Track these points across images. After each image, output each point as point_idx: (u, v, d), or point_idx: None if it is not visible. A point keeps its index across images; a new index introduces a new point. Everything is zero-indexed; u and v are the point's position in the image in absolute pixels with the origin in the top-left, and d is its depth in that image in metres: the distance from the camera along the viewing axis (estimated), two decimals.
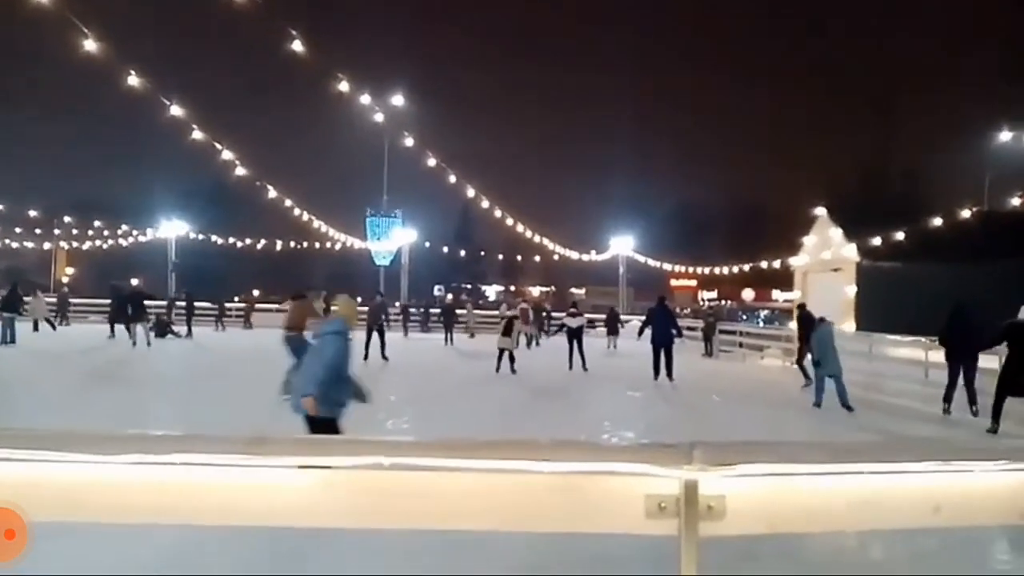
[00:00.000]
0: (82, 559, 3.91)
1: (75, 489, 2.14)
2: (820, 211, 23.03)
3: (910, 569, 4.48)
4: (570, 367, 17.54)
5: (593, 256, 44.24)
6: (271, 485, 2.12)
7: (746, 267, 38.58)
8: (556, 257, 45.35)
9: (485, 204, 37.76)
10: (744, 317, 25.54)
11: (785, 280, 29.94)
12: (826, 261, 21.56)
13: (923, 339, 13.65)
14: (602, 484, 2.13)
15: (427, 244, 44.11)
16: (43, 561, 3.89)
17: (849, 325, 19.46)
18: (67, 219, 47.14)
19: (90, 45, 14.68)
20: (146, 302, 21.54)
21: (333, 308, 8.20)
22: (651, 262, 43.85)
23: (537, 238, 41.33)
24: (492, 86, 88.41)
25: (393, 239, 37.71)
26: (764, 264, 33.53)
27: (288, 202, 35.59)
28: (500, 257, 54.64)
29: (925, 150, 59.31)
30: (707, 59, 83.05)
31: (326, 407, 5.66)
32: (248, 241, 43.78)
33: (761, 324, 29.93)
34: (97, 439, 2.19)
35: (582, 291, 62.64)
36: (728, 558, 3.11)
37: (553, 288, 66.45)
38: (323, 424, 5.45)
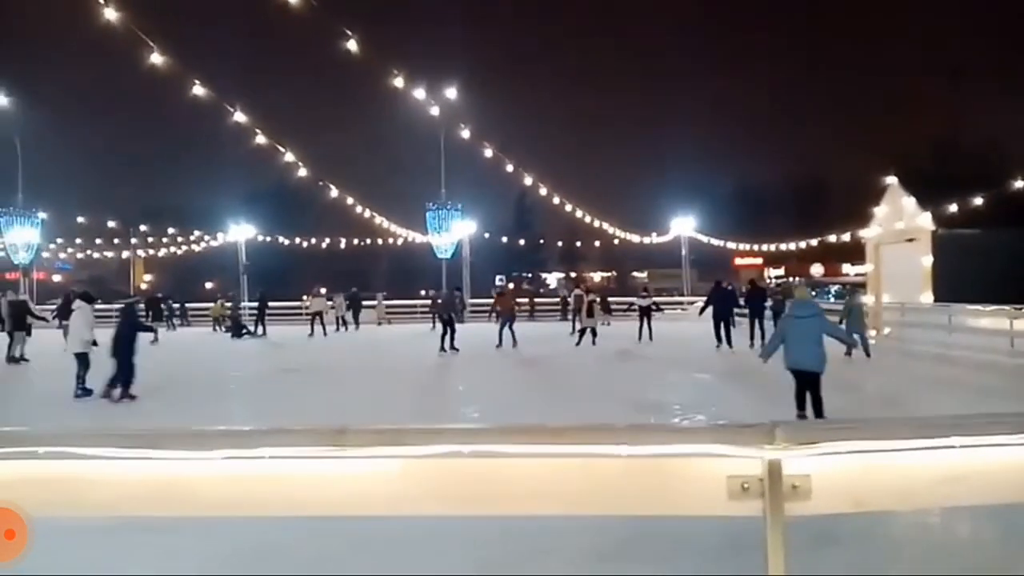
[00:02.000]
0: (176, 551, 4.09)
1: (169, 485, 2.25)
2: (891, 180, 22.12)
3: (1003, 548, 4.30)
4: (639, 339, 20.53)
5: (654, 239, 43.64)
6: (354, 475, 2.19)
7: (813, 242, 37.42)
8: (616, 241, 44.93)
9: (543, 191, 37.72)
10: (814, 293, 24.77)
11: (856, 253, 28.91)
12: (899, 231, 20.73)
13: (1007, 307, 13.01)
14: (681, 466, 2.13)
15: (487, 235, 44.32)
16: (140, 554, 4.11)
17: (926, 296, 18.72)
18: (143, 228, 49.13)
19: (156, 58, 15.22)
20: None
21: None
22: (714, 242, 43.01)
23: (597, 223, 41.04)
24: (546, 70, 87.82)
25: (453, 231, 37.99)
26: (833, 238, 32.45)
27: (350, 200, 36.26)
28: (560, 244, 54.47)
29: (1001, 112, 56.40)
30: (765, 31, 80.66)
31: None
32: (313, 240, 44.85)
33: (832, 299, 29.02)
34: (188, 436, 2.30)
35: (644, 275, 61.94)
36: (811, 539, 3.06)
37: (614, 273, 65.89)
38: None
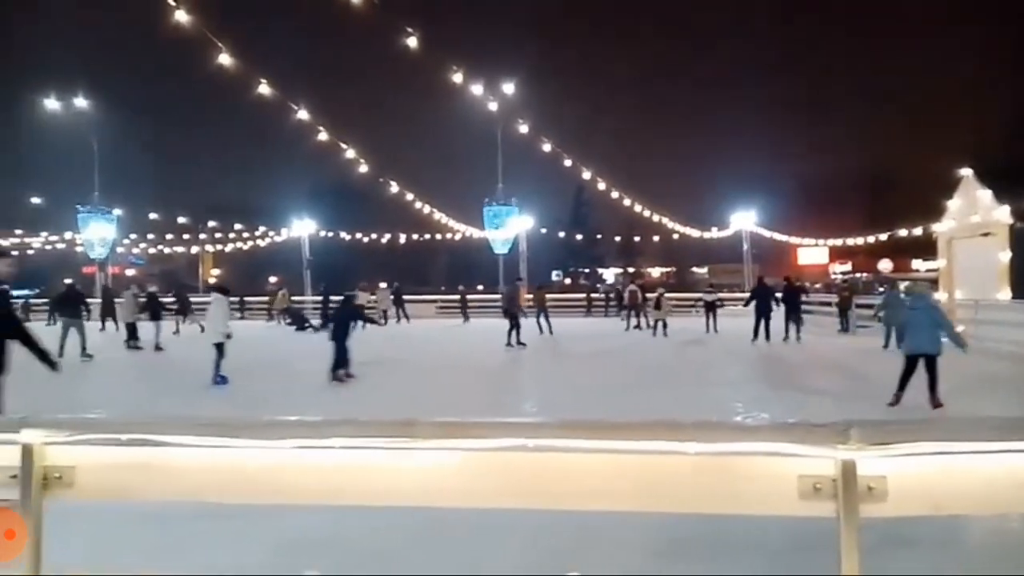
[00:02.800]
0: (248, 537, 4.23)
1: (244, 473, 2.32)
2: (965, 172, 21.18)
3: None
4: (707, 331, 21.75)
5: (714, 233, 42.93)
6: (422, 467, 2.22)
7: (882, 236, 36.22)
8: (676, 236, 44.34)
9: (601, 186, 37.48)
10: (882, 289, 24.02)
11: (927, 248, 27.90)
12: (974, 225, 19.83)
13: None
14: (750, 464, 2.09)
15: (543, 230, 44.28)
16: (214, 539, 4.26)
17: (1004, 293, 17.90)
18: (211, 224, 50.74)
19: (224, 59, 15.69)
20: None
21: None
22: (777, 236, 42.03)
23: (655, 217, 40.57)
24: (604, 63, 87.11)
25: (510, 227, 38.08)
26: (903, 232, 31.31)
27: (409, 196, 36.74)
28: (617, 239, 54.04)
29: None
30: (829, 17, 78.20)
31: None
32: (373, 236, 45.60)
33: (902, 296, 28.05)
34: (262, 426, 2.36)
35: (704, 270, 60.99)
36: (885, 542, 2.97)
37: (674, 268, 65.06)
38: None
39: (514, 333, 18.23)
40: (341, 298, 14.45)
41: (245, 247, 48.70)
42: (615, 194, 37.41)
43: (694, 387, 11.78)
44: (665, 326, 21.44)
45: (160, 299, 20.92)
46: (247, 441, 2.25)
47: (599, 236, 54.93)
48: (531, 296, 25.69)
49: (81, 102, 35.84)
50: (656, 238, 46.02)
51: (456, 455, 2.19)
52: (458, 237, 44.19)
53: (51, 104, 35.91)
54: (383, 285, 34.90)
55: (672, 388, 11.63)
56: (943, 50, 71.33)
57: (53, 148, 42.27)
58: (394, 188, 34.67)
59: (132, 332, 18.68)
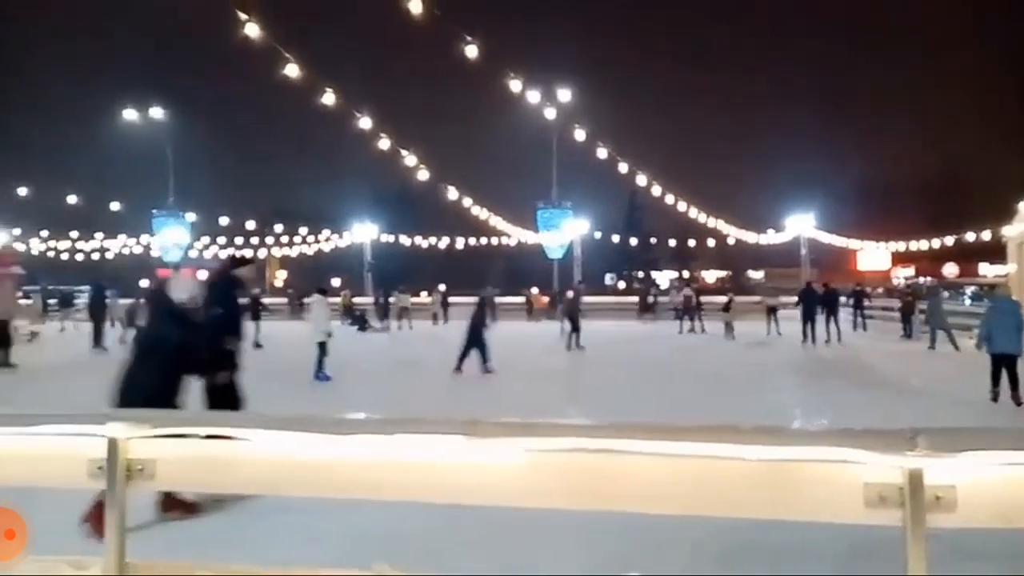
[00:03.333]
0: (316, 532, 4.35)
1: (314, 468, 2.41)
2: None
3: None
4: (767, 333, 22.24)
5: (771, 237, 42.06)
6: (484, 465, 2.27)
7: (948, 240, 34.92)
8: (731, 240, 43.60)
9: (655, 190, 37.11)
10: (947, 295, 23.30)
11: (995, 252, 26.75)
12: None
13: None
14: (812, 471, 2.08)
15: (598, 234, 44.09)
16: (284, 532, 4.40)
17: None
18: (277, 228, 52.07)
19: (291, 69, 16.12)
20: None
21: None
22: (836, 240, 40.93)
23: (711, 221, 39.97)
24: (659, 65, 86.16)
25: (564, 231, 38.01)
26: (970, 236, 30.18)
27: (466, 201, 37.04)
28: (672, 243, 53.42)
29: None
30: (891, 10, 75.62)
31: None
32: (432, 240, 46.15)
33: (968, 302, 26.88)
34: (332, 423, 2.45)
35: (760, 274, 59.76)
36: (954, 554, 2.89)
37: (729, 273, 63.92)
38: None
39: (575, 336, 18.25)
40: (477, 299, 15.82)
41: (309, 251, 49.86)
42: (670, 198, 36.99)
43: (752, 390, 11.58)
44: (731, 328, 22.19)
45: (262, 300, 22.85)
46: (318, 437, 2.33)
47: (653, 240, 54.31)
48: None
49: (157, 112, 37.28)
50: (711, 242, 45.30)
51: (517, 455, 2.23)
52: (513, 242, 44.35)
53: (129, 114, 37.46)
54: (442, 288, 35.42)
55: (729, 391, 11.46)
56: (1014, 45, 68.30)
57: (131, 156, 44.06)
58: (452, 194, 35.02)
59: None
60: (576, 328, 18.53)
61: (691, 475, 2.21)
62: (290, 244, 50.69)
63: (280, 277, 56.97)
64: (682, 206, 37.77)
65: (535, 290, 36.96)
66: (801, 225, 38.25)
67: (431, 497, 2.39)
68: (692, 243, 48.51)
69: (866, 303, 25.51)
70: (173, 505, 4.55)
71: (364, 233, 41.78)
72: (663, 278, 63.17)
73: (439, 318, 30.56)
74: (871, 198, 53.47)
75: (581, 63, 57.00)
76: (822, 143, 67.14)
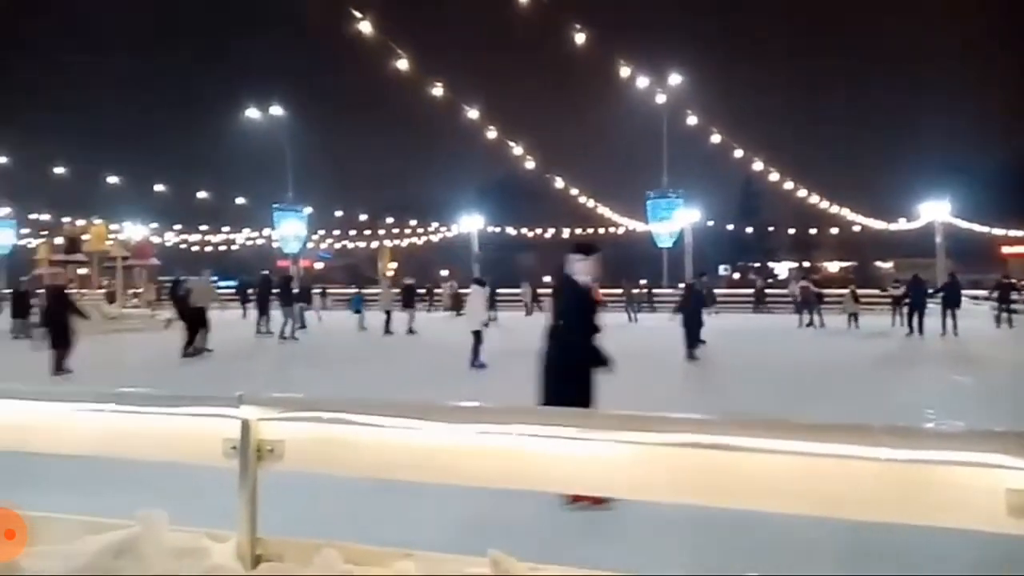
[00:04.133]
0: (429, 516, 4.50)
1: (428, 454, 2.48)
2: None
3: None
4: (892, 325, 21.60)
5: (902, 225, 39.59)
6: (597, 457, 2.27)
7: None
8: (857, 228, 41.40)
9: (773, 175, 35.72)
10: None
11: None
12: None
13: None
14: (948, 474, 1.95)
15: (710, 223, 42.95)
16: (393, 516, 4.56)
17: None
18: (388, 220, 53.83)
19: (402, 64, 16.61)
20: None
21: None
22: (976, 228, 38.06)
23: (834, 208, 38.11)
24: (773, 45, 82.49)
25: (674, 220, 37.23)
26: None
27: (574, 190, 37.02)
28: (791, 231, 51.24)
29: None
30: None
31: None
32: (538, 231, 46.43)
33: None
34: (447, 410, 2.52)
35: (889, 264, 56.34)
36: None
37: (855, 263, 60.64)
38: None
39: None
40: (689, 285, 16.29)
41: (419, 242, 51.25)
42: (788, 184, 35.52)
43: (878, 386, 10.99)
44: (856, 319, 22.19)
45: (417, 290, 24.11)
46: (433, 424, 2.40)
47: (771, 228, 52.30)
48: (622, 291, 27.70)
49: (276, 110, 39.28)
50: (834, 230, 43.21)
51: (630, 447, 2.22)
52: (621, 231, 43.89)
53: (251, 113, 39.65)
54: (547, 279, 35.68)
55: (852, 386, 10.92)
56: None
57: (254, 153, 46.65)
58: (559, 183, 35.05)
59: (388, 319, 21.39)
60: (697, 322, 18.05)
61: (814, 474, 2.13)
62: (400, 236, 52.27)
63: (391, 268, 58.82)
64: (802, 192, 36.22)
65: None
66: (936, 211, 35.67)
67: (541, 487, 2.41)
68: (813, 231, 46.41)
69: (1014, 296, 23.62)
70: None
71: (471, 224, 42.50)
72: (781, 268, 60.67)
73: (531, 310, 30.69)
74: (1016, 182, 49.14)
75: (692, 45, 55.49)
76: (960, 123, 62.04)
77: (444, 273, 47.17)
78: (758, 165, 33.76)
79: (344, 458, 2.58)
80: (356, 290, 27.01)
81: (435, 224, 50.36)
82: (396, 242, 54.09)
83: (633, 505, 2.43)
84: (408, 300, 22.41)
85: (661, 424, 2.24)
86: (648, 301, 32.85)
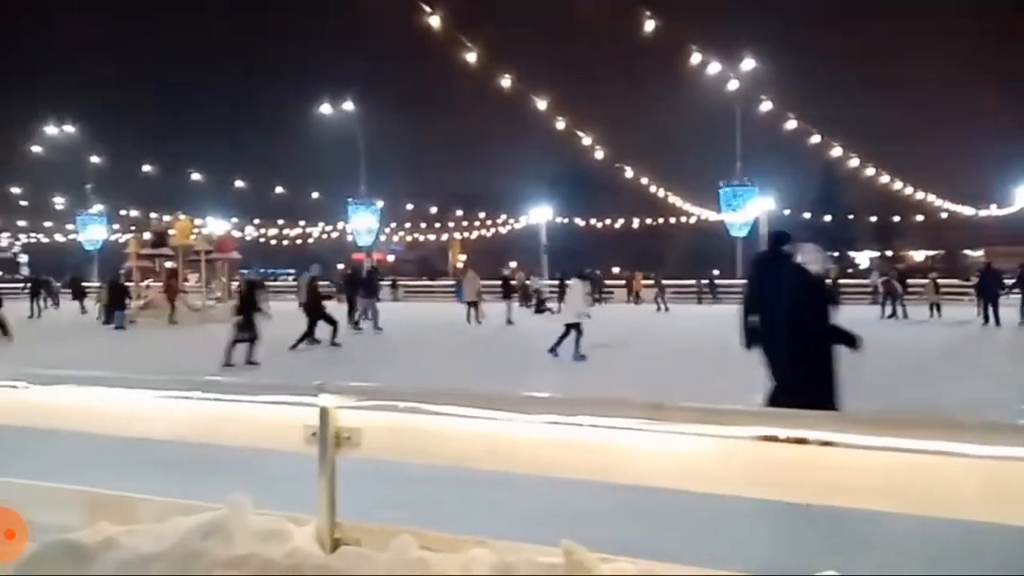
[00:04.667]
0: (500, 506, 4.55)
1: (501, 443, 2.51)
2: None
3: None
4: (977, 315, 20.24)
5: (993, 211, 37.60)
6: (668, 449, 2.25)
7: None
8: (943, 215, 39.54)
9: (854, 161, 34.41)
10: None
11: None
12: None
13: None
14: None
15: (786, 211, 41.69)
16: (470, 505, 4.62)
17: None
18: (458, 212, 54.42)
19: (471, 56, 16.71)
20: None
21: None
22: None
23: (919, 194, 36.46)
24: (851, 24, 79.12)
25: (749, 209, 36.32)
26: None
27: (643, 180, 36.57)
28: (872, 219, 49.29)
29: None
30: None
31: None
32: (607, 221, 46.09)
33: None
34: (519, 400, 2.53)
35: (979, 253, 53.58)
36: None
37: (942, 251, 57.86)
38: None
39: None
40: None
41: (488, 233, 51.58)
42: (870, 170, 34.18)
43: (962, 381, 10.50)
44: (938, 309, 21.90)
45: (511, 281, 25.22)
46: (506, 414, 2.42)
47: (851, 216, 50.40)
48: (652, 282, 28.65)
49: (348, 105, 40.14)
50: (919, 217, 41.37)
51: (705, 440, 2.19)
52: (693, 220, 43.13)
53: (324, 109, 40.64)
54: (616, 270, 35.41)
55: (936, 381, 10.46)
56: None
57: (327, 148, 47.84)
58: (628, 173, 34.68)
59: (474, 308, 22.27)
60: None
61: (894, 470, 2.05)
62: (469, 228, 52.72)
63: (461, 259, 59.42)
64: (884, 178, 34.81)
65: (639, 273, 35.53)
66: None
67: (612, 479, 2.40)
68: (896, 219, 44.58)
69: None
70: None
71: (540, 215, 42.52)
72: (862, 258, 58.41)
73: (661, 304, 30.19)
74: None
75: (765, 30, 53.77)
76: None
77: (512, 265, 47.37)
78: (837, 151, 32.55)
79: (417, 446, 2.63)
80: (452, 281, 27.57)
81: (503, 216, 50.58)
82: (465, 234, 54.58)
83: (707, 499, 2.40)
84: (507, 291, 23.52)
85: (738, 417, 2.20)
86: (711, 292, 32.31)
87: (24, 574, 2.49)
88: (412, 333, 19.72)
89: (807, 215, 45.74)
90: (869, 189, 39.02)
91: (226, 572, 2.33)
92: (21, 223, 55.24)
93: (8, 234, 59.82)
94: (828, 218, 47.21)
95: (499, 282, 26.09)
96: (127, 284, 24.24)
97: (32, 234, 56.36)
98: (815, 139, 30.74)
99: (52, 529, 2.80)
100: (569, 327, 13.01)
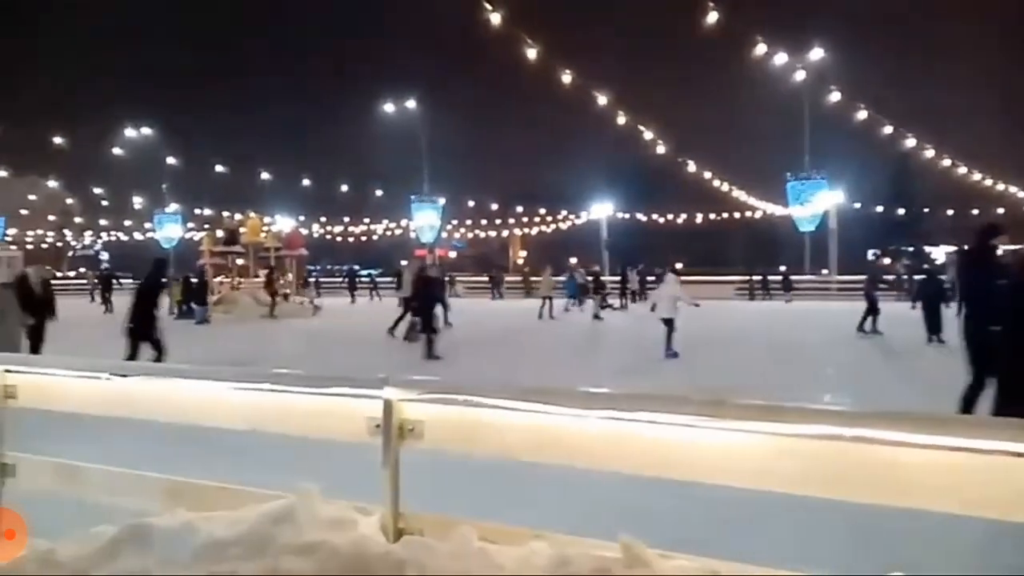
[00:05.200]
0: (555, 501, 4.58)
1: (556, 437, 2.53)
2: None
3: None
4: None
5: None
6: (728, 446, 2.24)
7: None
8: None
9: (928, 153, 33.06)
10: None
11: None
12: None
13: None
14: None
15: (857, 205, 40.38)
16: (522, 500, 4.66)
17: None
18: (518, 209, 54.53)
19: (531, 53, 16.73)
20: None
21: None
22: None
23: (999, 185, 34.78)
24: (920, 3, 75.84)
25: (817, 202, 35.29)
26: None
27: (706, 174, 35.93)
28: (949, 212, 47.26)
29: None
30: None
31: None
32: (669, 216, 45.48)
33: None
34: (575, 395, 2.55)
35: None
36: None
37: None
38: None
39: (870, 318, 16.92)
40: (924, 276, 16.28)
41: (548, 230, 51.54)
42: (946, 161, 32.81)
43: None
44: None
45: (601, 277, 25.53)
46: (562, 409, 2.45)
47: (927, 209, 48.44)
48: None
49: (411, 104, 40.67)
50: (1001, 210, 39.46)
51: (764, 438, 2.17)
52: (759, 215, 42.19)
53: (387, 108, 41.29)
54: (679, 266, 34.88)
55: None
56: None
57: (392, 146, 48.63)
58: (691, 167, 34.14)
59: (549, 303, 23.06)
60: (873, 310, 16.92)
61: (959, 470, 2.00)
62: (529, 224, 52.75)
63: (522, 256, 59.55)
64: (962, 169, 33.35)
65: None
66: None
67: (670, 475, 2.40)
68: (975, 212, 42.62)
69: None
70: None
71: (601, 211, 42.25)
72: (939, 253, 56.06)
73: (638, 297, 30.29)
74: None
75: (833, 17, 52.06)
76: None
77: (572, 261, 47.22)
78: (910, 142, 31.32)
79: (479, 439, 2.68)
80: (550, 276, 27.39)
81: (564, 212, 50.47)
82: (525, 230, 54.64)
83: (767, 497, 2.38)
84: (597, 287, 23.91)
85: (799, 415, 2.17)
86: (764, 288, 31.59)
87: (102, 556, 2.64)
88: (496, 328, 19.87)
89: (879, 208, 44.16)
90: (946, 181, 37.43)
91: (295, 557, 2.42)
92: (103, 222, 57.99)
93: (91, 233, 62.82)
94: (902, 211, 45.49)
95: (563, 277, 26.33)
96: (205, 280, 25.14)
97: (113, 232, 59.05)
98: (887, 129, 29.63)
99: (132, 513, 2.96)
100: (666, 322, 12.84)
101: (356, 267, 41.61)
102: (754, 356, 13.83)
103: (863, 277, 30.79)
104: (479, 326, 20.11)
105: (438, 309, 13.52)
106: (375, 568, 2.38)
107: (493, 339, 17.55)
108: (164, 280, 11.81)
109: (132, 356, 10.01)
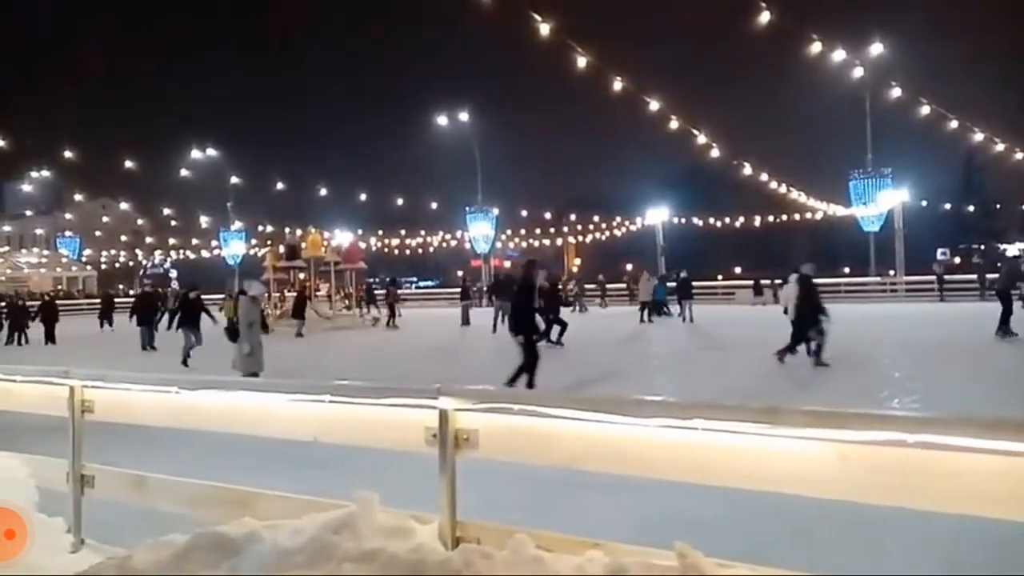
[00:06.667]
0: (617, 509, 4.55)
1: (615, 446, 2.53)
2: None
3: None
4: None
5: None
6: (785, 453, 2.20)
7: None
8: None
9: (998, 147, 31.72)
10: None
11: None
12: None
13: None
14: None
15: (924, 203, 38.97)
16: (585, 508, 4.64)
17: None
18: (572, 217, 54.42)
19: (581, 62, 16.74)
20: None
21: None
22: None
23: None
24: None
25: (881, 201, 34.21)
26: None
27: (764, 176, 35.23)
28: (1023, 208, 45.24)
29: None
30: None
31: None
32: (726, 220, 44.73)
33: None
34: (631, 404, 2.54)
35: None
36: None
37: None
38: None
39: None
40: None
41: (603, 237, 51.27)
42: (1018, 155, 31.43)
43: None
44: None
45: (691, 283, 25.28)
46: (618, 417, 2.44)
47: (998, 206, 46.47)
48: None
49: (464, 116, 41.06)
50: None
51: (823, 445, 2.13)
52: (819, 216, 41.16)
53: (440, 120, 41.78)
54: (738, 270, 34.30)
55: None
56: None
57: (446, 159, 49.25)
58: (747, 170, 33.54)
59: (649, 309, 23.98)
60: (1008, 311, 15.32)
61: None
62: (584, 231, 52.56)
63: (576, 264, 59.36)
64: None
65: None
66: None
67: (727, 483, 2.37)
68: None
69: None
70: None
71: (656, 216, 41.80)
72: (1012, 250, 53.66)
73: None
74: None
75: (894, 11, 50.57)
76: None
77: (629, 267, 46.89)
78: (978, 136, 30.11)
79: (533, 448, 2.69)
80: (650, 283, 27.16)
81: (618, 218, 50.16)
82: (580, 238, 54.48)
83: (826, 505, 2.33)
84: (685, 292, 24.11)
85: (858, 421, 2.12)
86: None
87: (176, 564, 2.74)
88: (607, 334, 19.86)
89: (947, 206, 42.58)
90: (1018, 176, 35.85)
91: (355, 565, 2.48)
92: (172, 241, 60.22)
93: (161, 252, 65.30)
94: (972, 208, 43.75)
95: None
96: (306, 296, 25.08)
97: (181, 250, 61.23)
98: (952, 124, 28.55)
99: (201, 522, 3.07)
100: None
101: (408, 279, 42.10)
102: (916, 362, 12.84)
103: (972, 276, 29.32)
104: (590, 333, 20.05)
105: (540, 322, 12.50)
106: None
107: (606, 345, 17.08)
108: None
109: None
